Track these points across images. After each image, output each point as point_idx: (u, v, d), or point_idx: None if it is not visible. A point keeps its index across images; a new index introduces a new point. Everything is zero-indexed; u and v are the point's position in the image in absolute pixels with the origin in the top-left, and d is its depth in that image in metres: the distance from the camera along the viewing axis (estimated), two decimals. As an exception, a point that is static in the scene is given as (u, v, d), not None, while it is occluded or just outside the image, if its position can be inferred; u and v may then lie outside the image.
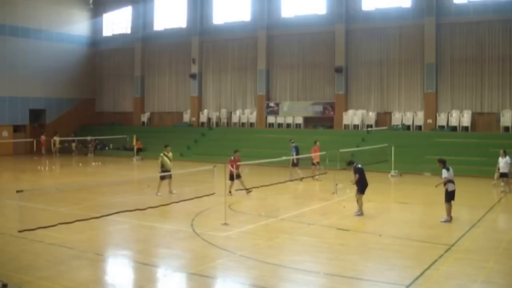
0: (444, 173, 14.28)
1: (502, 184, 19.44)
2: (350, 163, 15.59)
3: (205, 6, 37.93)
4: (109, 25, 43.13)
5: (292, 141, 24.55)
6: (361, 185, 15.08)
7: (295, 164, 23.02)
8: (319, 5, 33.68)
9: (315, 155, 22.85)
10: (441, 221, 14.12)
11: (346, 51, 32.54)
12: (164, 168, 18.52)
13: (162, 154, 18.73)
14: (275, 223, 14.30)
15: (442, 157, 15.17)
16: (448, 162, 15.37)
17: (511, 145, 25.69)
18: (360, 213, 14.96)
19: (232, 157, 18.59)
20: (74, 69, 41.59)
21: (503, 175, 19.36)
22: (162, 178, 18.35)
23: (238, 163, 18.70)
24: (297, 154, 23.32)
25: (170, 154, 19.01)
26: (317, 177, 22.74)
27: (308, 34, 33.81)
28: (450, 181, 14.25)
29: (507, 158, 19.36)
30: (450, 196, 14.22)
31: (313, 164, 23.14)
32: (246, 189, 18.73)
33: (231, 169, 17.96)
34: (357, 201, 15.15)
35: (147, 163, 30.84)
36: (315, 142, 23.74)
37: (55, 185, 21.54)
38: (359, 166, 15.27)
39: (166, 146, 19.14)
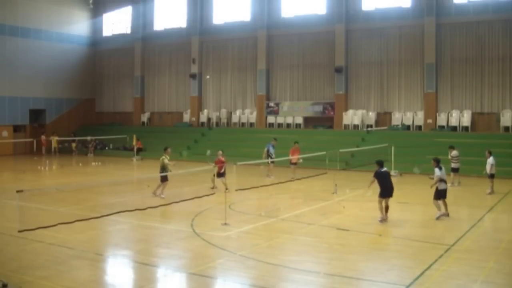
0: (437, 171, 14.65)
1: (490, 185, 19.40)
2: (377, 163, 14.52)
3: (205, 6, 37.93)
4: (109, 25, 43.12)
5: (274, 139, 24.81)
6: (380, 189, 14.17)
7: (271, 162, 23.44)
8: (319, 5, 33.68)
9: (293, 157, 22.89)
10: (436, 218, 14.35)
11: (346, 51, 32.54)
12: (165, 171, 18.17)
13: (163, 157, 18.30)
14: (275, 223, 14.31)
15: (437, 156, 15.48)
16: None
17: (511, 145, 25.82)
18: (382, 218, 14.05)
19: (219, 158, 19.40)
20: (74, 69, 41.59)
21: (490, 176, 19.35)
22: (164, 179, 18.02)
23: (223, 162, 19.30)
24: (270, 152, 23.68)
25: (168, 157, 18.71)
26: (292, 177, 22.63)
27: (308, 34, 33.82)
28: (442, 180, 14.61)
29: (491, 158, 19.37)
30: (439, 194, 14.59)
31: (292, 163, 23.12)
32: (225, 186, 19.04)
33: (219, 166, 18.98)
34: (378, 203, 14.27)
35: (147, 163, 30.84)
36: (295, 143, 23.72)
37: (55, 185, 21.54)
38: (382, 170, 14.28)
39: (165, 149, 18.76)
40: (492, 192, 19.08)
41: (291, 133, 32.35)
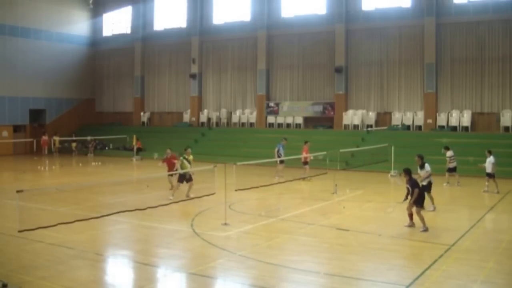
0: (428, 167, 15.50)
1: (486, 183, 19.55)
2: (406, 172, 13.51)
3: (205, 6, 37.94)
4: (109, 25, 43.13)
5: (284, 139, 24.64)
6: (421, 199, 13.31)
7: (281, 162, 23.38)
8: (319, 5, 33.68)
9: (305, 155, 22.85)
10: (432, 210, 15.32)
11: (346, 51, 32.54)
12: (184, 171, 17.83)
13: (182, 158, 18.13)
14: (275, 223, 14.30)
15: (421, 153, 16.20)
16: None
17: (511, 145, 25.83)
18: (425, 228, 12.98)
19: (167, 156, 19.59)
20: (74, 69, 41.60)
21: (488, 175, 19.48)
22: (181, 180, 17.83)
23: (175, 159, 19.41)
24: (280, 152, 23.65)
25: (191, 157, 18.34)
26: (308, 178, 22.66)
27: (308, 34, 33.82)
28: (430, 174, 15.60)
29: (491, 157, 19.45)
30: (430, 188, 15.61)
31: (303, 163, 23.05)
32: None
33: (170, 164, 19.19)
34: (417, 215, 13.18)
35: (146, 163, 30.82)
36: (305, 142, 23.73)
37: (55, 185, 21.54)
38: (414, 178, 13.56)
39: (185, 149, 18.52)
40: (498, 192, 19.13)
41: (291, 133, 32.33)
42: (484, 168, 19.63)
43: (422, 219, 13.06)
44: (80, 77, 42.24)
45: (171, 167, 19.07)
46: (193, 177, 18.12)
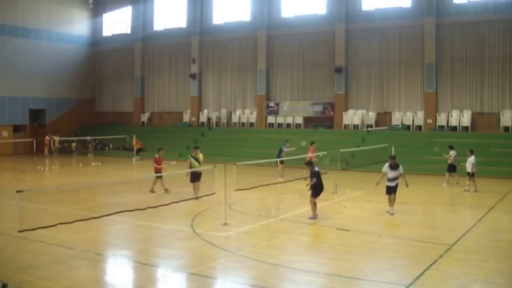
0: (401, 169, 15.31)
1: (467, 183, 19.68)
2: (308, 164, 14.62)
3: (205, 6, 37.93)
4: (109, 25, 43.12)
5: (286, 141, 24.63)
6: (316, 190, 14.39)
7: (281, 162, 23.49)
8: (319, 5, 33.68)
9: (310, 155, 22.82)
10: (387, 212, 15.15)
11: (346, 51, 32.53)
12: (192, 170, 17.72)
13: (189, 156, 18.16)
14: (275, 223, 14.30)
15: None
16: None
17: (511, 145, 25.82)
18: (314, 216, 14.29)
19: (157, 156, 19.59)
20: (74, 69, 41.58)
21: (468, 174, 19.61)
22: (192, 180, 17.81)
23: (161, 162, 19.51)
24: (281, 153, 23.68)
25: (200, 156, 18.09)
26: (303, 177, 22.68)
27: (308, 34, 33.81)
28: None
29: (472, 157, 19.52)
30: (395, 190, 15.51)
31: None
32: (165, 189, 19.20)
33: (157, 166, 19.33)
34: (310, 203, 14.45)
35: (146, 163, 30.79)
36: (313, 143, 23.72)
37: (55, 185, 21.53)
38: (316, 169, 14.57)
39: (195, 148, 18.62)
40: (475, 190, 19.38)
41: (291, 133, 32.34)
42: (466, 167, 19.76)
43: (313, 208, 14.31)
44: (80, 77, 42.23)
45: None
46: (201, 177, 17.89)
